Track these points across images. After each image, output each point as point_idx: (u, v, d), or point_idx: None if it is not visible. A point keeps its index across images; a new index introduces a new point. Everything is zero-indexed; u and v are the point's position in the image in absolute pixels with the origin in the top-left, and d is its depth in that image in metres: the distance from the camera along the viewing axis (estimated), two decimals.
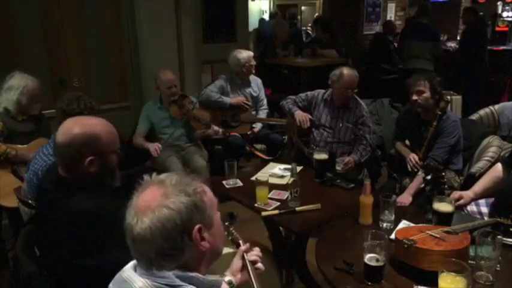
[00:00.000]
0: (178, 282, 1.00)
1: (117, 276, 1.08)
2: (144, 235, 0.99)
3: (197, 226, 1.02)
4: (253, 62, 3.94)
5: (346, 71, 3.03)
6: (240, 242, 1.33)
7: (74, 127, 1.51)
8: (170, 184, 1.04)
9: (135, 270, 1.06)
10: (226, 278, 1.25)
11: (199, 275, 1.05)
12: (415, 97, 2.72)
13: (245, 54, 3.89)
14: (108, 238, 1.41)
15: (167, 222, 0.99)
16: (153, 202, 1.00)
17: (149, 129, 3.51)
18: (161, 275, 1.00)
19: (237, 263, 1.30)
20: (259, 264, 1.31)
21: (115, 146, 1.59)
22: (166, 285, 0.99)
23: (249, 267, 1.26)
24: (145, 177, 1.08)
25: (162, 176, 1.08)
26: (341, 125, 3.13)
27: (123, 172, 1.83)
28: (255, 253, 1.33)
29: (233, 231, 1.39)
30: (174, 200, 1.01)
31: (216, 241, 1.10)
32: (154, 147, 3.31)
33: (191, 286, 1.02)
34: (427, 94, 2.68)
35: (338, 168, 2.71)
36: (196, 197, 1.04)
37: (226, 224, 1.39)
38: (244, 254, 1.30)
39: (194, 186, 1.05)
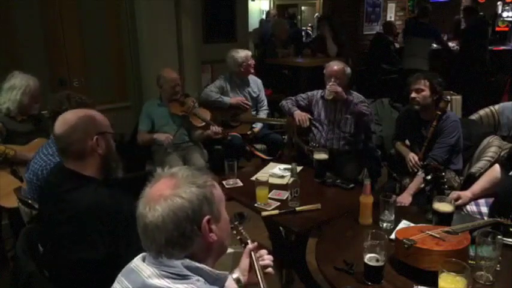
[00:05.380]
0: (185, 272, 1.01)
1: (125, 267, 1.10)
2: (155, 223, 1.01)
3: (206, 217, 1.05)
4: (251, 61, 3.93)
5: (332, 62, 3.18)
6: (249, 241, 1.34)
7: (70, 116, 1.57)
8: (182, 176, 1.07)
9: (144, 261, 1.07)
10: (234, 275, 1.26)
11: (206, 267, 1.06)
12: (413, 95, 2.72)
13: (242, 54, 3.88)
14: (121, 230, 1.41)
15: (179, 211, 1.01)
16: (166, 191, 1.03)
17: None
18: (169, 263, 1.02)
19: (245, 262, 1.31)
20: (270, 269, 1.32)
21: (109, 126, 1.64)
22: (173, 274, 1.01)
23: (256, 266, 1.27)
24: (158, 170, 1.10)
25: (174, 169, 1.11)
26: (340, 117, 3.15)
27: (127, 175, 1.84)
28: (268, 257, 1.34)
29: (242, 230, 1.41)
30: (186, 190, 1.03)
31: (222, 235, 1.11)
32: (166, 136, 3.34)
33: (197, 277, 1.03)
34: (426, 93, 2.68)
35: (326, 92, 2.94)
36: (206, 189, 1.06)
37: (236, 223, 1.41)
38: (252, 253, 1.30)
39: (205, 179, 1.08)
